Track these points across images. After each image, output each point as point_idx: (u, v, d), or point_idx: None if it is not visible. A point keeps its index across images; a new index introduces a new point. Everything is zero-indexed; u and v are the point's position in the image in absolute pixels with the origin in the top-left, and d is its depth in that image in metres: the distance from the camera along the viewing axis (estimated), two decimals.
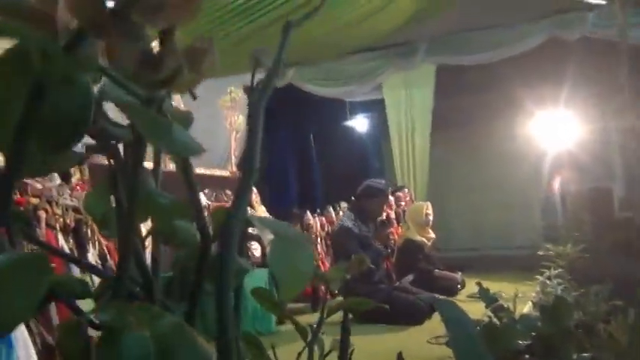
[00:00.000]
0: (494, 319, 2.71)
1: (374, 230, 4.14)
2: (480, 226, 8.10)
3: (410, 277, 4.63)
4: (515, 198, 7.84)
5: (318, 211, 6.11)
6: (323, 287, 4.86)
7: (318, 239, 5.45)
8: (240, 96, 5.89)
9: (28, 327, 2.39)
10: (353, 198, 5.33)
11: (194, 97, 0.41)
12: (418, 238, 4.96)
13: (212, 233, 0.45)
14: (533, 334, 1.55)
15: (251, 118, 0.40)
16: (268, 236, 0.39)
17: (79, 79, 0.33)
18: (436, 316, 3.93)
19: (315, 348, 0.71)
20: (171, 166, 0.53)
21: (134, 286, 0.46)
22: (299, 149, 8.44)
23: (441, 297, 3.99)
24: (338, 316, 0.81)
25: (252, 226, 0.42)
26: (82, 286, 0.46)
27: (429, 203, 5.20)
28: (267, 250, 0.37)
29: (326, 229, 5.72)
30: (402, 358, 1.05)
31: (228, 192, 4.83)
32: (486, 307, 3.13)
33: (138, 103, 0.34)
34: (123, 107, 0.33)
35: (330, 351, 0.77)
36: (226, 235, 0.35)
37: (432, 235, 5.08)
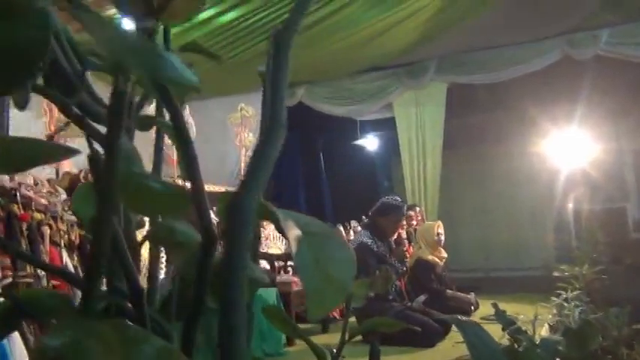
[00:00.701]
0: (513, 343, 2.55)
1: (389, 248, 4.04)
2: (490, 246, 7.94)
3: (422, 298, 4.48)
4: (527, 218, 7.70)
5: None
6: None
7: None
8: (251, 113, 5.84)
9: (24, 337, 2.28)
10: (364, 217, 5.23)
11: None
12: (430, 257, 4.83)
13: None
14: (557, 359, 1.44)
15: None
16: (294, 232, 0.29)
17: (32, 4, 0.23)
18: (449, 340, 3.80)
19: None
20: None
21: (124, 300, 0.36)
22: (308, 168, 8.37)
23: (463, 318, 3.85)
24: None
25: (268, 217, 0.31)
26: (64, 303, 0.36)
27: (440, 222, 5.08)
28: (293, 251, 0.27)
29: None
30: None
31: None
32: (503, 329, 2.97)
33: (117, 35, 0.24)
34: (92, 28, 0.23)
35: None
36: (235, 221, 0.25)
37: (444, 254, 4.95)
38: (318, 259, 0.29)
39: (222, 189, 5.52)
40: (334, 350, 0.71)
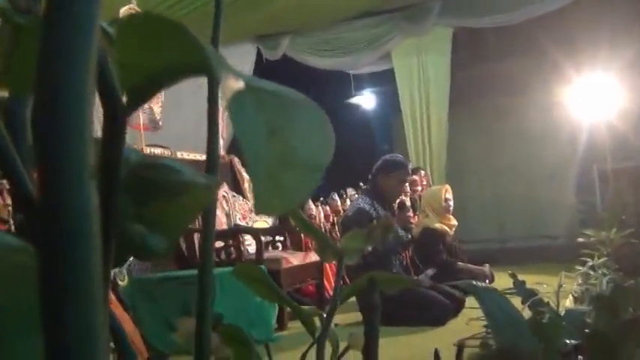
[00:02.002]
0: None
1: (392, 214, 4.00)
2: (506, 212, 7.94)
3: (430, 272, 4.47)
4: (547, 179, 7.68)
5: (322, 199, 5.97)
6: (328, 285, 4.71)
7: (323, 231, 5.30)
8: None
9: None
10: (362, 184, 5.17)
11: None
12: (438, 225, 4.80)
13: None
14: (587, 331, 1.40)
15: None
16: (233, 84, 0.20)
17: None
18: (462, 317, 3.79)
19: (328, 345, 0.59)
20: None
21: None
22: None
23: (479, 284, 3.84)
24: (351, 317, 0.62)
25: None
26: None
27: (448, 186, 5.04)
28: (228, 110, 0.20)
29: (331, 219, 5.57)
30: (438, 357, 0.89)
31: None
32: (523, 302, 2.95)
33: None
34: None
35: (346, 349, 0.65)
36: None
37: (454, 222, 4.92)
38: (275, 130, 0.21)
39: (202, 157, 5.45)
40: (324, 315, 0.65)
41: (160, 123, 4.65)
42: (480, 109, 7.81)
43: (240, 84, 0.21)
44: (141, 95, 0.25)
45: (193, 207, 0.29)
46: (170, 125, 4.68)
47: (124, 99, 0.25)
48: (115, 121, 0.25)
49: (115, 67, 0.25)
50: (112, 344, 0.39)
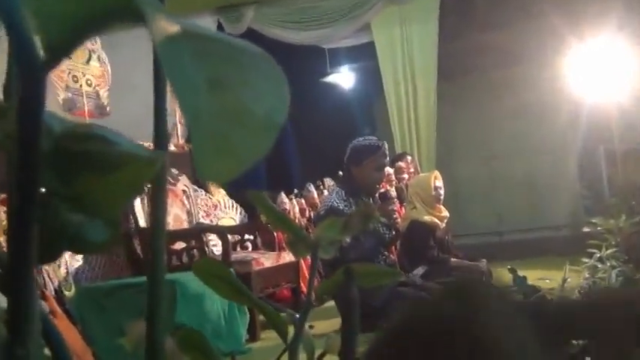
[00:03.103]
0: None
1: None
2: (503, 201, 8.03)
3: (421, 270, 4.48)
4: (548, 163, 7.77)
5: (296, 191, 5.96)
6: (304, 287, 4.72)
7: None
8: None
9: None
10: (341, 173, 5.16)
11: None
12: (427, 218, 4.80)
13: None
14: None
15: None
16: (163, 27, 0.19)
17: None
18: None
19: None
20: None
21: None
22: None
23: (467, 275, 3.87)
24: (329, 324, 0.62)
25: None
26: None
27: (437, 173, 5.04)
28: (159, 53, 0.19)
29: (307, 214, 5.56)
30: None
31: (174, 171, 4.63)
32: (524, 297, 2.99)
33: None
34: None
35: (322, 355, 0.65)
36: None
37: (445, 213, 4.93)
38: (220, 83, 0.20)
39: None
40: (297, 316, 0.65)
41: (108, 109, 4.60)
42: (472, 85, 7.87)
43: (175, 28, 0.20)
44: (62, 49, 0.24)
45: (132, 183, 0.28)
46: (120, 112, 4.62)
47: (42, 54, 0.24)
48: (32, 82, 0.24)
49: (31, 18, 0.24)
50: None
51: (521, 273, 3.72)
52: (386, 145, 3.98)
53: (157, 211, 0.38)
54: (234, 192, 5.49)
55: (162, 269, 0.40)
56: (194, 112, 0.20)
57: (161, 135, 0.38)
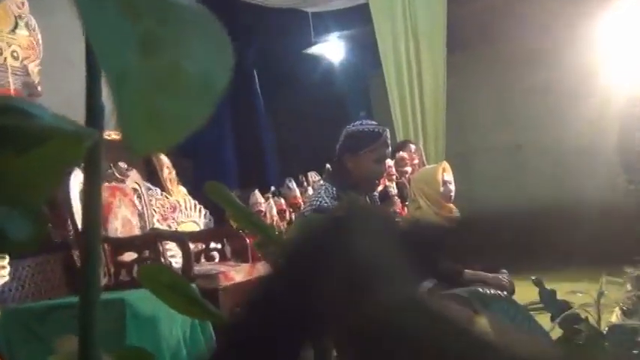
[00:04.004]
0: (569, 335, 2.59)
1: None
2: (527, 199, 8.04)
3: (428, 284, 4.51)
4: (581, 153, 7.78)
5: (273, 189, 5.96)
6: None
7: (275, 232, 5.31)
8: None
9: None
10: (329, 165, 5.17)
11: None
12: (435, 220, 4.85)
13: None
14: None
15: None
16: None
17: None
18: None
19: None
20: None
21: None
22: (237, 97, 8.26)
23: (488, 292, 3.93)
24: None
25: None
26: None
27: (446, 164, 5.07)
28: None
29: (287, 216, 5.56)
30: None
31: (123, 165, 4.63)
32: (552, 319, 3.02)
33: None
34: None
35: None
36: None
37: (457, 214, 4.97)
38: (152, 42, 0.22)
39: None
40: None
41: (39, 88, 4.58)
42: (490, 57, 7.89)
43: None
44: None
45: (56, 163, 0.29)
46: (54, 91, 4.61)
47: None
48: None
49: None
50: None
51: (548, 285, 3.75)
52: (388, 132, 4.00)
53: (91, 207, 0.39)
54: (198, 191, 5.49)
55: (96, 284, 0.41)
56: (120, 76, 0.21)
57: (94, 110, 0.39)
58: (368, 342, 0.34)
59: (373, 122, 4.07)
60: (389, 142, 4.02)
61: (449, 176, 4.93)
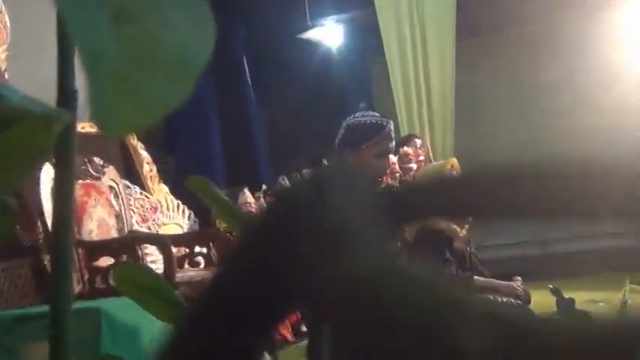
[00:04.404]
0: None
1: None
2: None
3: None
4: (601, 146, 7.78)
5: (265, 187, 5.96)
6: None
7: None
8: None
9: None
10: (325, 161, 5.17)
11: None
12: (443, 223, 4.85)
13: None
14: None
15: None
16: None
17: None
18: None
19: None
20: None
21: None
22: (225, 86, 8.26)
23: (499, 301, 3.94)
24: None
25: None
26: None
27: (454, 161, 5.07)
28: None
29: None
30: None
31: (98, 160, 4.63)
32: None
33: None
34: None
35: None
36: None
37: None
38: (127, 15, 0.23)
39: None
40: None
41: (7, 75, 4.58)
42: (503, 44, 7.89)
43: None
44: None
45: (24, 147, 0.30)
46: (23, 79, 4.61)
47: None
48: None
49: None
50: None
51: (567, 294, 3.77)
52: (392, 125, 4.00)
53: (62, 206, 0.40)
54: (181, 189, 5.49)
55: (69, 292, 0.42)
56: (93, 49, 0.22)
57: (67, 93, 0.40)
58: (342, 310, 0.35)
59: (376, 114, 4.07)
60: (393, 135, 4.03)
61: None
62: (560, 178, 0.43)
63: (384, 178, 4.95)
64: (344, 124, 4.01)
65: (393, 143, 4.11)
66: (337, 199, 0.40)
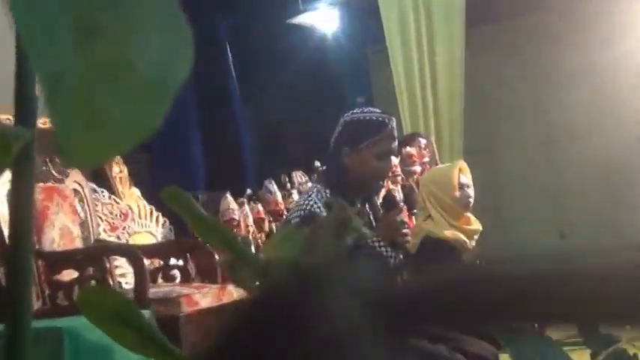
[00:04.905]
0: None
1: (372, 215, 3.98)
2: (566, 208, 8.07)
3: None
4: (630, 145, 7.78)
5: (249, 192, 5.96)
6: None
7: (252, 244, 5.30)
8: None
9: None
10: (318, 163, 5.18)
11: None
12: (448, 233, 4.85)
13: None
14: None
15: None
16: None
17: None
18: None
19: None
20: None
21: None
22: (205, 77, 8.25)
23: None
24: None
25: None
26: None
27: (463, 164, 5.08)
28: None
29: (266, 225, 5.57)
30: None
31: (59, 160, 4.62)
32: (593, 356, 3.07)
33: None
34: None
35: None
36: None
37: (477, 225, 4.98)
38: (94, 30, 0.23)
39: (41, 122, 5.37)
40: None
41: None
42: (518, 32, 7.90)
43: None
44: None
45: None
46: None
47: None
48: None
49: None
50: None
51: None
52: (394, 122, 4.00)
53: (20, 213, 0.40)
54: (155, 193, 5.48)
55: (27, 309, 0.42)
56: (54, 71, 0.22)
57: (26, 104, 0.40)
58: None
59: (376, 110, 4.07)
60: (395, 134, 4.01)
61: (467, 178, 4.93)
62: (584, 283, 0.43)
63: (383, 179, 4.96)
64: (341, 120, 4.00)
65: (396, 143, 4.09)
66: (326, 308, 0.40)
